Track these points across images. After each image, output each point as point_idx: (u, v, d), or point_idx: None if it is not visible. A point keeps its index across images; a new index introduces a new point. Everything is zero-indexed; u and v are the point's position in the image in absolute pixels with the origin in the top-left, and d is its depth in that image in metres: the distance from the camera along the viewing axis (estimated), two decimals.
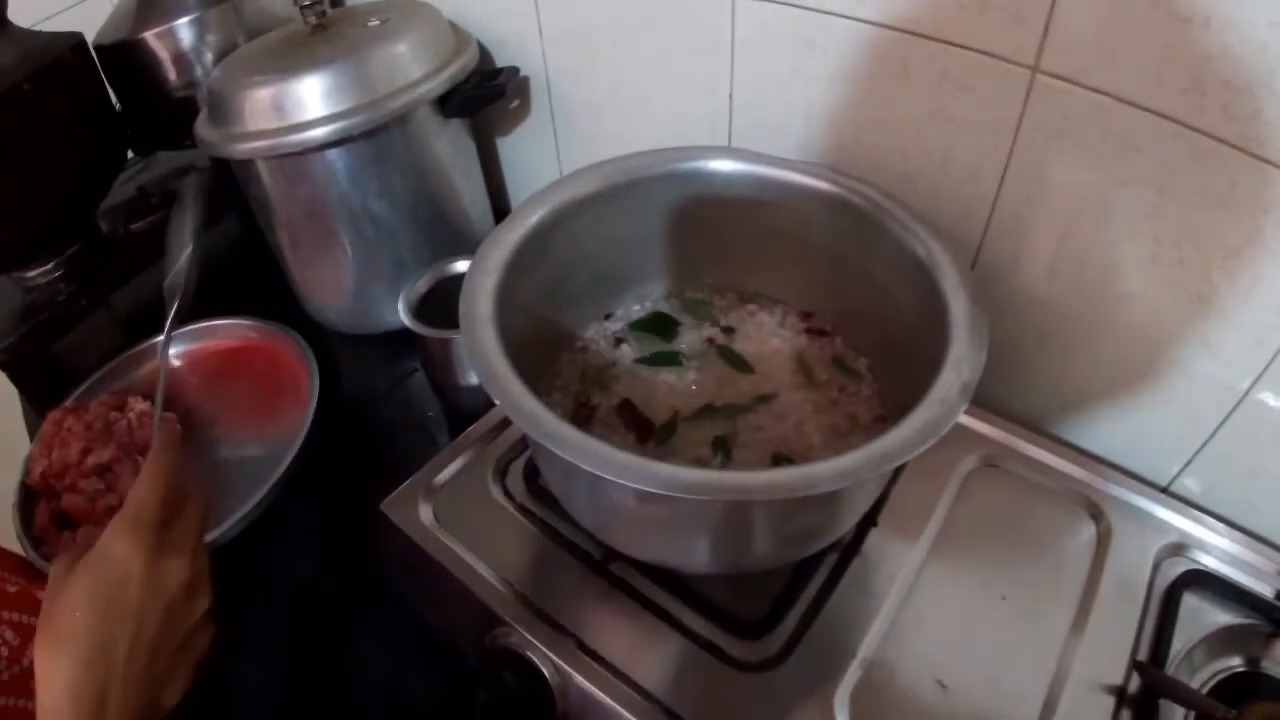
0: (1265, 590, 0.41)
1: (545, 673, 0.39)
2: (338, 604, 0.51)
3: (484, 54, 0.67)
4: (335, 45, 0.58)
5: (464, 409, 0.58)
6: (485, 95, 0.62)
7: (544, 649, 0.39)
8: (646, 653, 0.39)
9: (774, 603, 0.41)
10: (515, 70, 0.65)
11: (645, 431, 0.44)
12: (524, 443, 0.50)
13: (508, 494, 0.47)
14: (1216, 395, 0.44)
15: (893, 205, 0.42)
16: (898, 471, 0.46)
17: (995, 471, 0.48)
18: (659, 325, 0.50)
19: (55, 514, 0.55)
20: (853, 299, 0.46)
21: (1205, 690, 0.39)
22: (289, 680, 0.47)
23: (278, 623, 0.51)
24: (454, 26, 0.65)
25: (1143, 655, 0.39)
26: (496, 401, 0.33)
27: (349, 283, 0.66)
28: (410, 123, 0.60)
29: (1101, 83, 0.39)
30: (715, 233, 0.49)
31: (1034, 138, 0.43)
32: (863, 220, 0.42)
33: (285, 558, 0.54)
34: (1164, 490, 0.48)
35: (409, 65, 0.59)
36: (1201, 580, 0.42)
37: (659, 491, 0.29)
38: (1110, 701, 0.38)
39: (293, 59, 0.58)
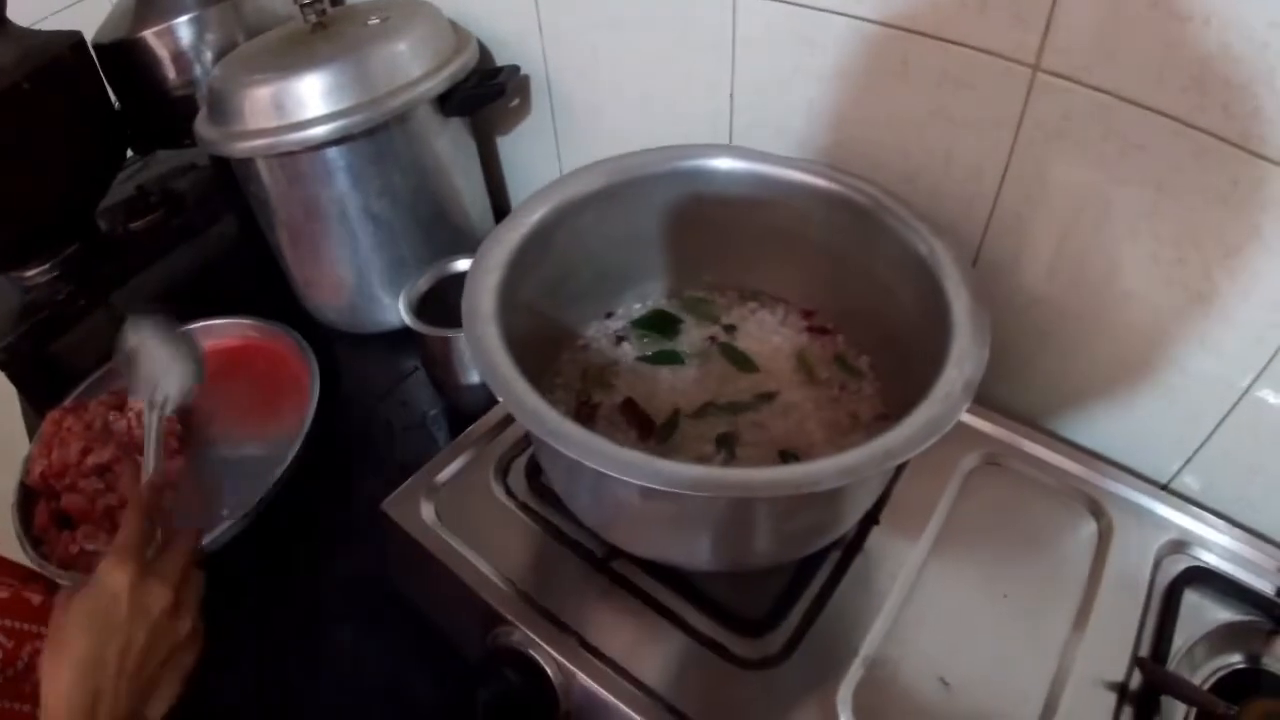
0: (1265, 587, 0.42)
1: (548, 671, 0.39)
2: (338, 603, 0.51)
3: (484, 52, 0.67)
4: (335, 44, 0.58)
5: (464, 408, 0.58)
6: (485, 94, 0.62)
7: (546, 647, 0.39)
8: (649, 650, 0.39)
9: (776, 600, 0.41)
10: (515, 69, 0.65)
11: (647, 429, 0.44)
12: (526, 441, 0.50)
13: (509, 492, 0.47)
14: (1216, 393, 0.44)
15: (894, 203, 0.42)
16: (899, 469, 0.46)
17: (996, 469, 0.48)
18: (660, 323, 0.50)
19: (55, 514, 0.54)
20: (854, 297, 0.46)
21: (1206, 687, 0.39)
22: (290, 680, 0.47)
23: (278, 622, 0.50)
24: (454, 25, 0.65)
25: (1144, 652, 0.39)
26: (500, 399, 0.33)
27: (349, 281, 0.66)
28: (410, 121, 0.60)
29: (1102, 81, 0.40)
30: (716, 231, 0.49)
31: (1034, 136, 0.43)
32: (864, 218, 0.43)
33: (286, 557, 0.54)
34: (1164, 488, 0.48)
35: (409, 64, 0.59)
36: (1202, 577, 0.42)
37: (664, 488, 0.29)
38: (1112, 698, 0.38)
39: (293, 57, 0.57)
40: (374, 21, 0.60)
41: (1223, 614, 0.41)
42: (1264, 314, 0.40)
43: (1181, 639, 0.40)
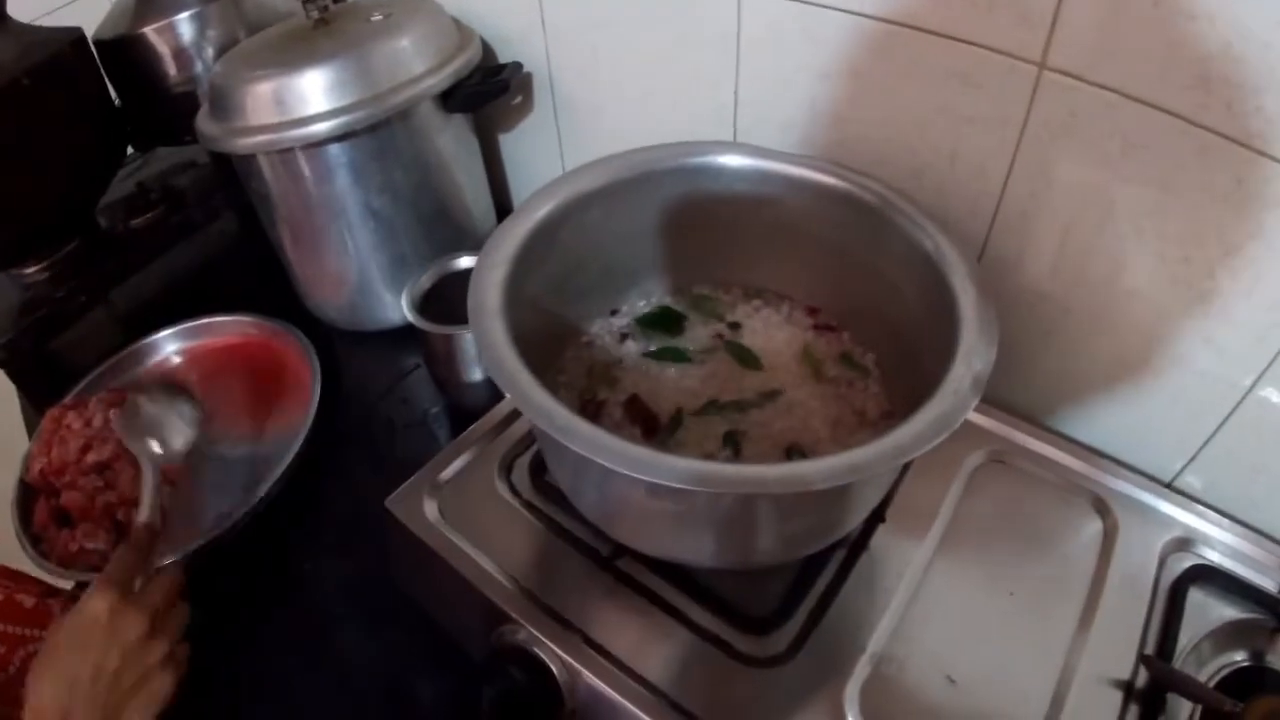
0: (1270, 585, 0.42)
1: (553, 669, 0.39)
2: (340, 602, 0.51)
3: (487, 49, 0.67)
4: (337, 40, 0.58)
5: (467, 405, 0.58)
6: (488, 91, 0.62)
7: (551, 645, 0.39)
8: (654, 648, 0.39)
9: (782, 598, 0.41)
10: (518, 66, 0.65)
11: (651, 427, 0.44)
12: (529, 438, 0.50)
13: (513, 490, 0.47)
14: (1219, 392, 0.44)
15: (901, 200, 0.42)
16: (905, 467, 0.46)
17: (1001, 467, 0.48)
18: (665, 320, 0.50)
19: (54, 511, 0.54)
20: (859, 294, 0.46)
21: (1211, 685, 0.39)
22: (292, 679, 0.47)
23: (280, 620, 0.50)
24: (457, 22, 0.65)
25: (1150, 650, 0.39)
26: (507, 394, 0.33)
27: (350, 279, 0.66)
28: (413, 118, 0.60)
29: (1107, 79, 0.40)
30: (721, 227, 0.49)
31: (1040, 134, 0.43)
32: (870, 215, 0.43)
33: (287, 555, 0.54)
34: (1167, 486, 0.48)
35: (411, 60, 0.58)
36: (1207, 575, 0.42)
37: (675, 485, 0.29)
38: (1118, 696, 0.38)
39: (295, 53, 0.57)
40: (376, 18, 0.60)
41: (1227, 612, 0.41)
42: (1267, 313, 0.41)
43: (1186, 637, 0.40)
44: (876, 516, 0.43)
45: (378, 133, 0.58)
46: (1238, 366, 0.43)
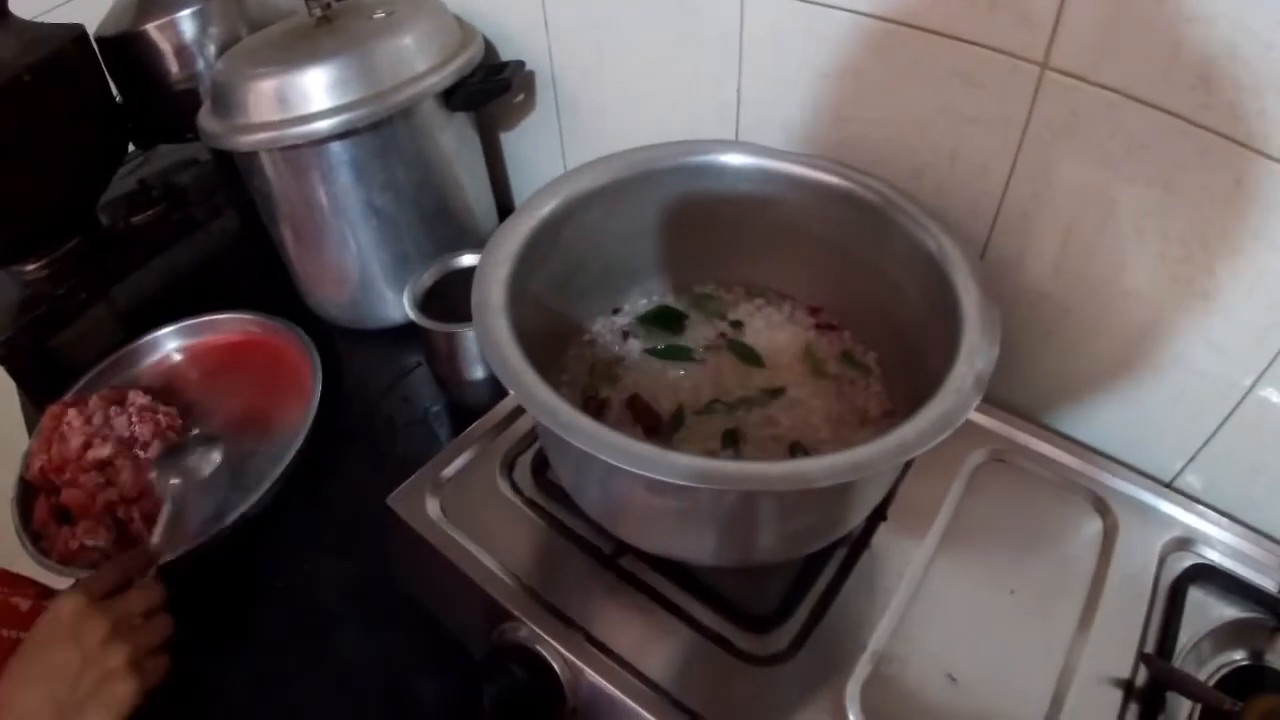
0: (1269, 585, 0.42)
1: (555, 667, 0.39)
2: (340, 599, 0.51)
3: (489, 48, 0.67)
4: (340, 38, 0.58)
5: (468, 404, 0.58)
6: (491, 89, 0.62)
7: (553, 643, 0.39)
8: (656, 646, 0.39)
9: (784, 597, 0.41)
10: (521, 64, 0.65)
11: (653, 425, 0.44)
12: (532, 436, 0.50)
13: (515, 488, 0.47)
14: (1219, 392, 0.44)
15: (903, 200, 0.42)
16: (907, 466, 0.46)
17: (1002, 466, 0.48)
18: (666, 319, 0.50)
19: (54, 509, 0.54)
20: (861, 294, 0.46)
21: (1210, 684, 0.39)
22: (293, 677, 0.47)
23: (280, 620, 0.50)
24: (459, 20, 0.65)
25: (1149, 649, 0.39)
26: (511, 391, 0.33)
27: (352, 277, 0.66)
28: (415, 116, 0.60)
29: (1110, 80, 0.40)
30: (723, 226, 0.49)
31: (1042, 134, 0.43)
32: (873, 215, 0.43)
33: (288, 553, 0.54)
34: (1167, 486, 0.48)
35: (414, 58, 0.58)
36: (1207, 575, 0.42)
37: (678, 482, 0.29)
38: (1118, 694, 0.38)
39: (297, 51, 0.57)
40: (379, 15, 0.60)
41: (1227, 611, 0.41)
42: (1267, 314, 0.41)
43: (1186, 636, 0.40)
44: (878, 515, 0.44)
45: (380, 131, 0.58)
46: (1238, 366, 0.43)
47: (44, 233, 0.67)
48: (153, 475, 0.52)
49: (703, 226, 0.49)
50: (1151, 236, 0.43)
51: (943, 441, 0.31)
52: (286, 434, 0.57)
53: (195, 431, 0.55)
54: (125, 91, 0.71)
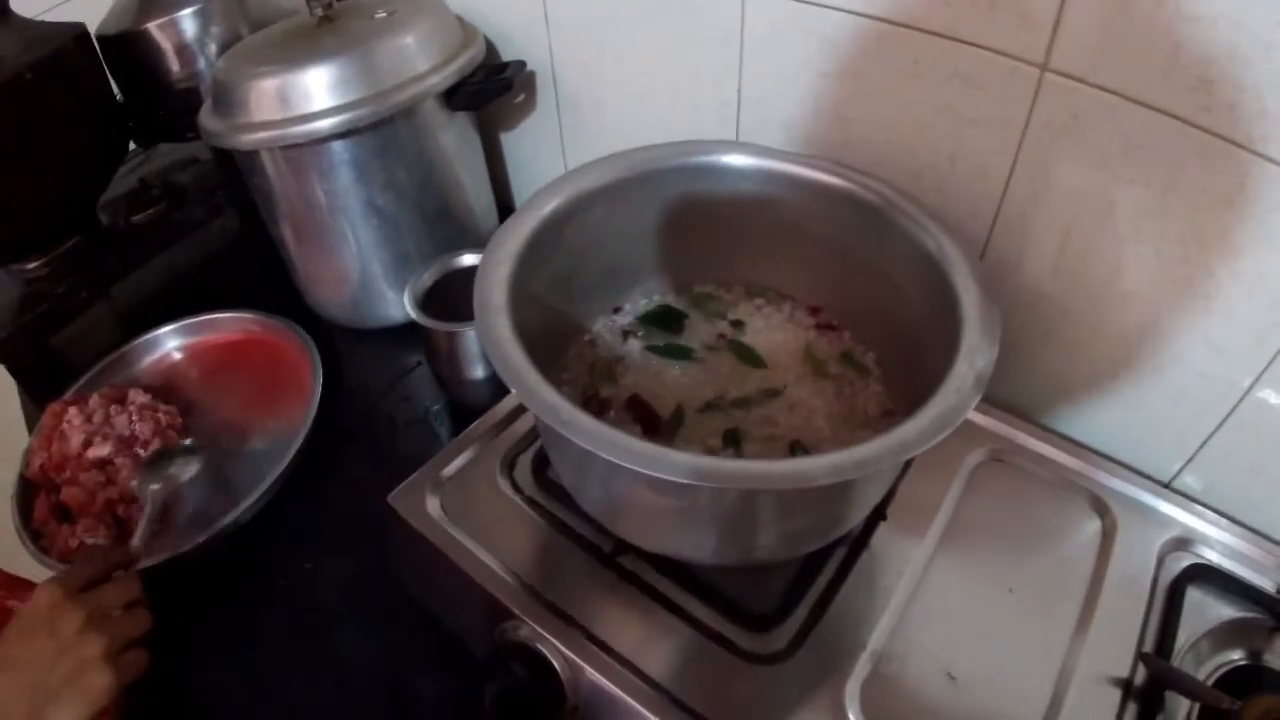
0: (1267, 585, 0.42)
1: (555, 665, 0.39)
2: (340, 599, 0.51)
3: (490, 47, 0.67)
4: (341, 37, 0.58)
5: (469, 403, 0.58)
6: (492, 89, 0.62)
7: (554, 641, 0.39)
8: (657, 645, 0.39)
9: (783, 596, 0.41)
10: (522, 64, 0.65)
11: (653, 425, 0.44)
12: (532, 435, 0.50)
13: (516, 487, 0.47)
14: (1218, 393, 0.44)
15: (904, 200, 0.42)
16: (906, 465, 0.46)
17: (1001, 466, 0.48)
18: (666, 319, 0.50)
19: (54, 507, 0.54)
20: (861, 294, 0.46)
21: (1209, 683, 0.40)
22: (293, 677, 0.47)
23: (280, 620, 0.50)
24: (461, 19, 0.65)
25: (1148, 648, 0.40)
26: (513, 390, 0.33)
27: (352, 276, 0.66)
28: (416, 115, 0.60)
29: (1109, 81, 0.40)
30: (724, 227, 0.49)
31: (1041, 136, 0.44)
32: (873, 215, 0.43)
33: (288, 553, 0.54)
34: (1166, 486, 0.48)
35: (415, 58, 0.59)
36: (1205, 575, 0.42)
37: (679, 480, 0.29)
38: (1117, 694, 0.38)
39: (299, 50, 0.57)
40: (380, 15, 0.60)
41: (1225, 611, 0.41)
42: (1267, 314, 0.41)
43: (1184, 636, 0.40)
44: (878, 514, 0.44)
45: (381, 130, 0.58)
46: (1237, 367, 0.43)
47: (44, 231, 0.67)
48: (134, 484, 0.53)
49: (703, 226, 0.49)
50: (1150, 237, 0.43)
51: (942, 441, 0.31)
52: (287, 433, 0.57)
53: (186, 442, 0.57)
54: (126, 90, 0.71)
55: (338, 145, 0.58)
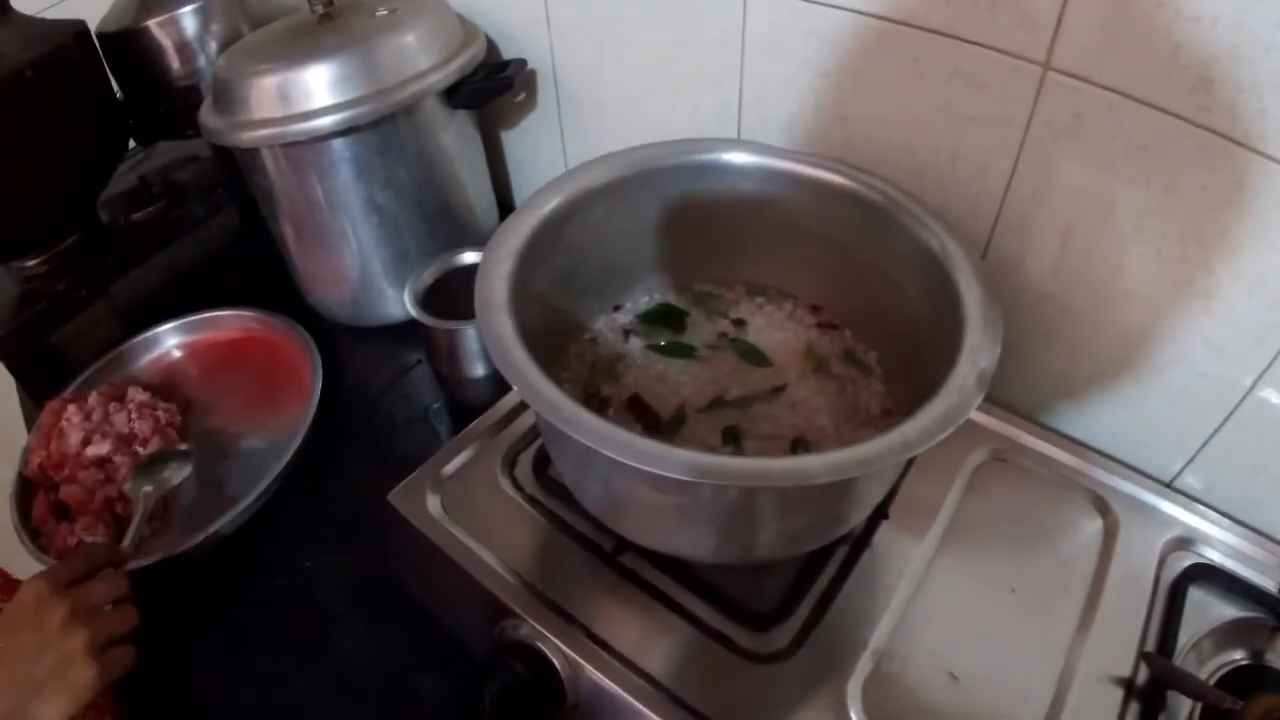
0: (1269, 585, 0.42)
1: (556, 664, 0.39)
2: (340, 597, 0.51)
3: (491, 46, 0.67)
4: (342, 35, 0.58)
5: (469, 401, 0.58)
6: (493, 87, 0.62)
7: (554, 639, 0.39)
8: (657, 643, 0.39)
9: (785, 594, 0.41)
10: (523, 63, 0.65)
11: (653, 425, 0.44)
12: (533, 434, 0.50)
13: (516, 485, 0.47)
14: (1219, 392, 0.44)
15: (906, 199, 0.42)
16: (908, 464, 0.46)
17: (1003, 465, 0.48)
18: (666, 317, 0.50)
19: (53, 505, 0.54)
20: (863, 293, 0.46)
21: (1210, 683, 0.39)
22: (293, 677, 0.47)
23: (280, 619, 0.50)
24: (462, 18, 0.65)
25: (1150, 647, 0.39)
26: (514, 387, 0.33)
27: (352, 274, 0.65)
28: (417, 114, 0.60)
29: (1111, 81, 0.40)
30: (725, 225, 0.49)
31: (1043, 135, 0.44)
32: (876, 214, 0.43)
33: (288, 552, 0.54)
34: (1167, 486, 0.48)
35: (416, 56, 0.58)
36: (1207, 574, 0.42)
37: (681, 477, 0.29)
38: (1119, 693, 0.38)
39: (299, 48, 0.57)
40: (381, 13, 0.60)
41: (1227, 611, 0.41)
42: (1267, 314, 0.41)
43: (1186, 635, 0.40)
44: (879, 513, 0.44)
45: (381, 128, 0.58)
46: (1238, 367, 0.43)
47: (44, 229, 0.67)
48: (127, 485, 0.53)
49: (704, 225, 0.49)
50: (1151, 237, 0.43)
51: (944, 440, 0.31)
52: (286, 431, 0.57)
53: (181, 447, 0.57)
54: (126, 88, 0.71)
55: (338, 143, 0.58)
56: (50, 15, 0.64)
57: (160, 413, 0.59)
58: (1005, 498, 0.46)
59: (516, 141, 0.76)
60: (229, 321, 0.67)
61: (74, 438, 0.56)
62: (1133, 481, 0.46)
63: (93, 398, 0.59)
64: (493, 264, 0.38)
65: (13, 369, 0.64)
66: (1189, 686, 0.37)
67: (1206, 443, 0.46)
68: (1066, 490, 0.47)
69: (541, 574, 0.42)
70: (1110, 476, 0.47)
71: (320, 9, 0.60)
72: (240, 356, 0.66)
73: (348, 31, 0.58)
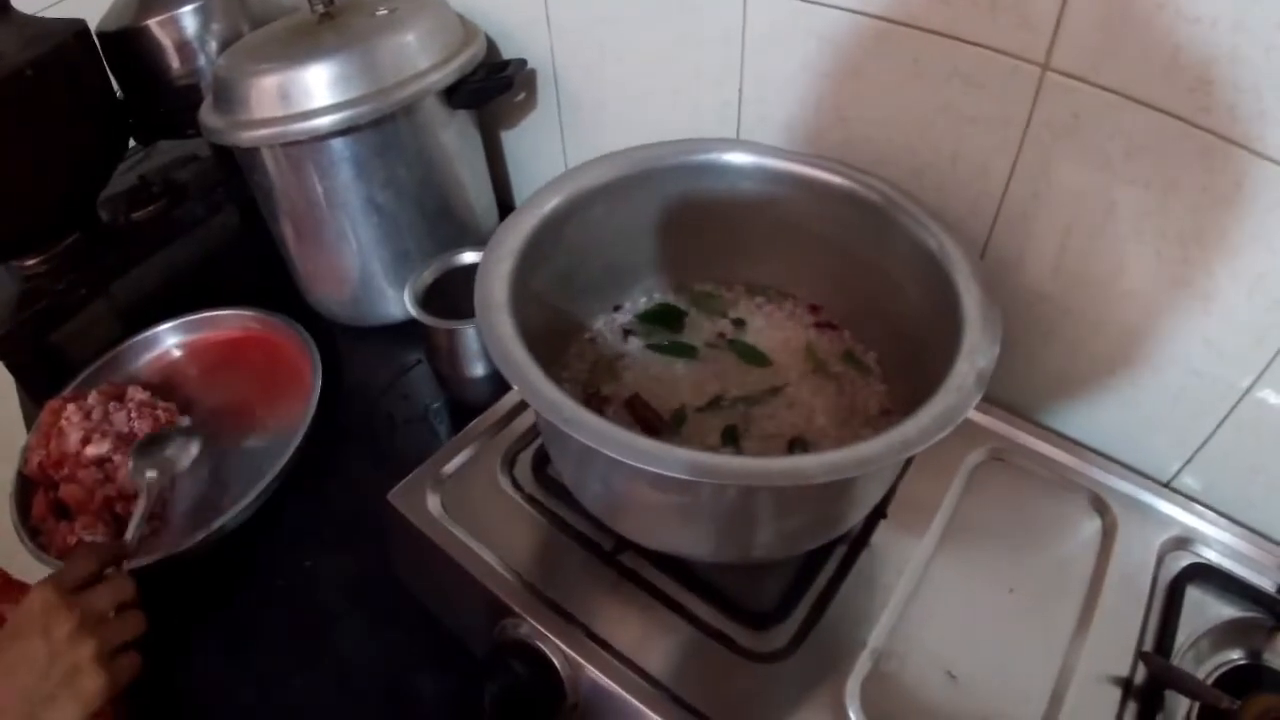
0: (1267, 584, 0.42)
1: (555, 663, 0.39)
2: (340, 597, 0.51)
3: (491, 46, 0.67)
4: (342, 34, 0.58)
5: (469, 401, 0.58)
6: (493, 87, 0.62)
7: (554, 639, 0.39)
8: (657, 643, 0.39)
9: (784, 594, 0.41)
10: (523, 62, 0.65)
11: (653, 425, 0.44)
12: (532, 433, 0.50)
13: (516, 484, 0.47)
14: (1217, 393, 0.45)
15: (905, 199, 0.42)
16: (907, 464, 0.46)
17: (1001, 465, 0.48)
18: (665, 317, 0.50)
19: (53, 504, 0.54)
20: (862, 293, 0.46)
21: (1208, 682, 0.40)
22: (293, 677, 0.47)
23: (281, 618, 0.50)
24: (462, 17, 0.65)
25: (1148, 647, 0.40)
26: (515, 386, 0.33)
27: (352, 274, 0.66)
28: (417, 113, 0.60)
29: (1110, 81, 0.40)
30: (725, 225, 0.49)
31: (1042, 135, 0.44)
32: (875, 214, 0.43)
33: (288, 551, 0.54)
34: (1165, 486, 0.48)
35: (416, 55, 0.59)
36: (1205, 574, 0.42)
37: (680, 476, 0.29)
38: (1117, 692, 0.38)
39: (300, 47, 0.57)
40: (382, 12, 0.60)
41: (1225, 610, 0.41)
42: (1266, 314, 0.41)
43: (1184, 635, 0.40)
44: (878, 513, 0.44)
45: (382, 128, 0.58)
46: (1236, 367, 0.43)
47: (44, 228, 0.67)
48: (129, 466, 0.52)
49: (704, 225, 0.49)
50: (1150, 237, 0.43)
51: (943, 439, 0.31)
52: (286, 431, 0.57)
53: (183, 422, 0.55)
54: (126, 87, 0.71)
55: (338, 142, 0.58)
56: (50, 15, 0.64)
57: (160, 412, 0.59)
58: (1004, 497, 0.46)
59: (516, 141, 0.76)
60: (229, 321, 0.67)
61: (74, 437, 0.56)
62: (1131, 481, 0.46)
63: (92, 397, 0.59)
64: (493, 263, 0.38)
65: (12, 368, 0.64)
66: (1187, 686, 0.37)
67: (1205, 443, 0.47)
68: (1065, 490, 0.47)
69: (541, 573, 0.42)
70: (1109, 476, 0.47)
71: (320, 8, 0.60)
72: (240, 356, 0.66)
73: (348, 31, 0.59)
